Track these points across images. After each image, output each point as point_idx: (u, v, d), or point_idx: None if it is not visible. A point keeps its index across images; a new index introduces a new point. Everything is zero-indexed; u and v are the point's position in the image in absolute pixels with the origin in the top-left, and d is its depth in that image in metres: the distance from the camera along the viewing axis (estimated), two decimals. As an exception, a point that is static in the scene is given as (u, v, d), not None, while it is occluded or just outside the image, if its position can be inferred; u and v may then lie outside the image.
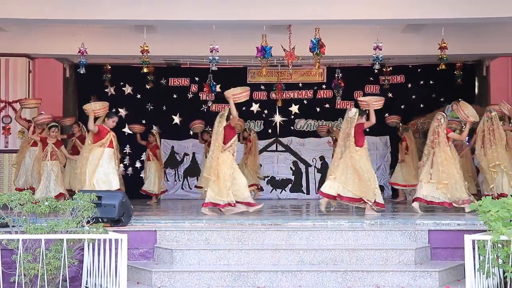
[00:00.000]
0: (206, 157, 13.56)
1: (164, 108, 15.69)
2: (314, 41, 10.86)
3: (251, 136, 14.32)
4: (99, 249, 6.73)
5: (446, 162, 9.95)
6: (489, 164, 10.73)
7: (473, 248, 6.67)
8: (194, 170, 15.53)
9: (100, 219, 7.65)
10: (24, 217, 7.06)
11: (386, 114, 15.64)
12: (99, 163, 9.49)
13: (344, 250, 7.52)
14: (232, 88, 10.22)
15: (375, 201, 9.75)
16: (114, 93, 15.61)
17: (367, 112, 10.08)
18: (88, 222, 7.11)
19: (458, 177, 10.02)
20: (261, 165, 15.19)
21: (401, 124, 14.11)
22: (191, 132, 15.52)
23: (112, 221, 7.98)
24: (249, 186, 12.78)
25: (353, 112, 10.07)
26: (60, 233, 6.75)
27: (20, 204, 7.00)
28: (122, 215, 8.11)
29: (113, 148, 9.74)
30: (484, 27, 11.87)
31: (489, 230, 6.71)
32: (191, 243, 7.80)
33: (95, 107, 10.02)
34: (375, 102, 10.14)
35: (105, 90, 15.49)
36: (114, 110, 15.27)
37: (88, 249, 6.79)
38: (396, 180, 13.96)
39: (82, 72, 11.74)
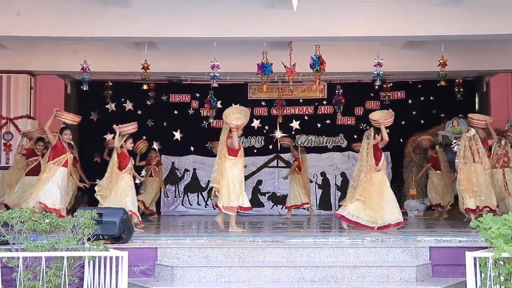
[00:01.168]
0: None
1: (165, 124, 15.73)
2: (315, 58, 10.91)
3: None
4: (99, 267, 6.71)
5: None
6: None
7: (475, 265, 6.64)
8: (194, 186, 15.53)
9: (100, 236, 7.61)
10: (24, 234, 7.03)
11: (387, 131, 15.69)
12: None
13: (345, 267, 7.48)
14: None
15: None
16: (114, 109, 15.66)
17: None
18: (88, 239, 7.09)
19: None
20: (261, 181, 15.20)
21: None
22: (192, 148, 15.55)
23: (113, 238, 7.95)
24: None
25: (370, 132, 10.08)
26: (60, 251, 6.72)
27: (21, 222, 6.98)
28: (123, 232, 8.09)
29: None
30: (484, 44, 11.92)
31: (491, 247, 6.69)
32: (191, 260, 7.77)
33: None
34: (384, 120, 10.11)
35: (106, 106, 15.54)
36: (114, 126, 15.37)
37: (89, 266, 6.76)
38: None
39: (85, 89, 11.79)
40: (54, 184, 9.65)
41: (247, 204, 9.77)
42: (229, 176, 9.58)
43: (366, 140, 10.06)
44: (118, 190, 9.68)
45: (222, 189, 9.55)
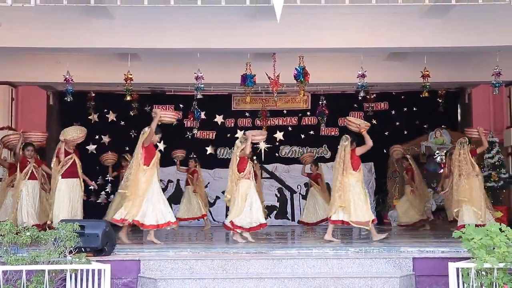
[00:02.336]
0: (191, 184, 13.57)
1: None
2: (299, 69, 10.96)
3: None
4: (81, 280, 6.66)
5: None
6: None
7: (458, 276, 6.67)
8: (178, 198, 15.44)
9: (83, 248, 7.55)
10: (5, 248, 6.97)
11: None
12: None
13: (329, 278, 7.48)
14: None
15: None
16: (97, 120, 15.58)
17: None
18: (70, 252, 7.03)
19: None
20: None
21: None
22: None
23: (95, 250, 7.87)
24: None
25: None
26: (41, 264, 6.67)
27: (1, 235, 6.92)
28: (106, 245, 8.02)
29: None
30: (466, 56, 12.02)
31: (473, 258, 6.73)
32: (175, 272, 7.73)
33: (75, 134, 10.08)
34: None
35: (89, 117, 15.46)
36: (97, 137, 15.33)
37: (71, 279, 6.70)
38: None
39: (69, 100, 11.73)
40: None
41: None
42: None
43: (343, 143, 9.98)
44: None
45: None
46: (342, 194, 9.69)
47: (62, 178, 9.77)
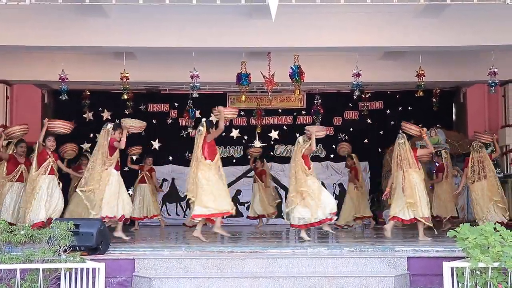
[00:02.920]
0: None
1: (143, 133, 15.61)
2: (294, 68, 10.96)
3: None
4: (76, 279, 6.64)
5: None
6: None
7: (452, 275, 6.68)
8: (173, 196, 15.46)
9: (77, 247, 7.53)
10: (-1, 246, 6.95)
11: (366, 141, 15.81)
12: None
13: (324, 277, 7.47)
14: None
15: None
16: (92, 118, 15.57)
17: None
18: (65, 250, 7.01)
19: None
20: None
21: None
22: (171, 158, 15.50)
23: (90, 249, 7.86)
24: None
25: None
26: (36, 263, 6.64)
27: (-5, 233, 6.90)
28: (100, 243, 8.01)
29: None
30: (461, 55, 12.04)
31: (467, 257, 6.74)
32: (170, 272, 7.72)
33: (133, 123, 10.02)
34: (317, 132, 10.26)
35: (84, 115, 15.45)
36: (92, 135, 15.30)
37: (65, 278, 6.68)
38: None
39: (64, 99, 11.70)
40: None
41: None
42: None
43: (399, 142, 10.18)
44: None
45: None
46: (410, 191, 9.85)
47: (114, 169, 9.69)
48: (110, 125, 9.79)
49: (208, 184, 9.24)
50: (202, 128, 9.46)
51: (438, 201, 12.53)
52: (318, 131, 10.38)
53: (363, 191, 13.60)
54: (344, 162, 13.99)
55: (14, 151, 10.54)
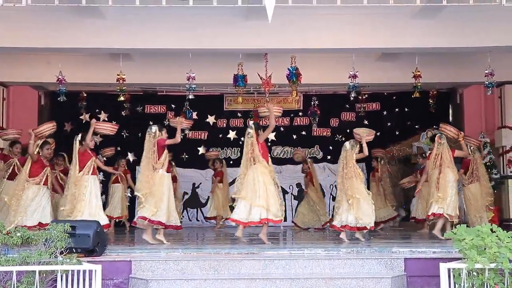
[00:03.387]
0: None
1: (140, 135, 15.62)
2: (291, 69, 10.95)
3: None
4: (72, 281, 6.63)
5: None
6: None
7: (449, 276, 6.69)
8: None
9: (74, 249, 7.53)
10: (-5, 248, 6.94)
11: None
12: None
13: (321, 279, 7.47)
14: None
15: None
16: (89, 120, 15.49)
17: (360, 144, 10.20)
18: (61, 252, 7.00)
19: None
20: None
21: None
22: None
23: (87, 251, 7.85)
24: None
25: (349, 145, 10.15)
26: (32, 265, 6.63)
27: (-9, 236, 6.88)
28: (97, 245, 8.00)
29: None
30: (457, 56, 12.05)
31: (464, 258, 6.74)
32: (166, 273, 7.71)
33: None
34: (367, 136, 10.37)
35: (80, 117, 15.43)
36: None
37: (62, 280, 6.68)
38: None
39: (62, 100, 11.69)
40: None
41: None
42: None
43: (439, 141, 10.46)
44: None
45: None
46: (444, 187, 10.25)
47: None
48: (155, 128, 9.77)
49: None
50: (252, 131, 9.54)
51: (422, 202, 12.52)
52: (368, 134, 10.47)
53: (320, 195, 13.85)
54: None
55: (39, 153, 10.29)
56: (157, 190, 9.44)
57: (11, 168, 10.92)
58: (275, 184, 9.50)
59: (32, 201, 9.93)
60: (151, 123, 15.33)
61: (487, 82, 10.95)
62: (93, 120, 10.15)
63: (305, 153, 14.88)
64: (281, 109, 10.41)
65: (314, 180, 13.78)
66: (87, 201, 9.48)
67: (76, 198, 9.46)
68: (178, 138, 9.85)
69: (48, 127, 10.49)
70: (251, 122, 9.80)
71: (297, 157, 14.18)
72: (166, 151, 9.74)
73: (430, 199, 10.47)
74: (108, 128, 10.30)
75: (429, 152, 11.33)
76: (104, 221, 9.36)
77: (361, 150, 10.13)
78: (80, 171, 9.58)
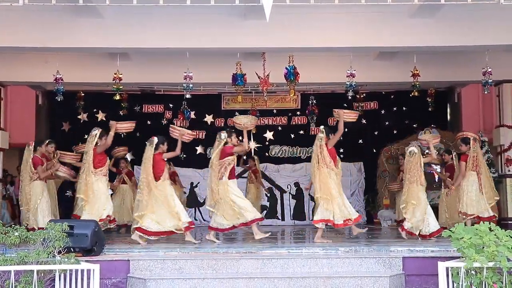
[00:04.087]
0: None
1: (138, 134, 15.60)
2: (289, 68, 10.94)
3: None
4: (70, 280, 6.63)
5: None
6: None
7: (447, 275, 6.69)
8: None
9: (72, 248, 7.52)
10: (-7, 248, 6.93)
11: (360, 141, 15.81)
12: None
13: (319, 278, 7.48)
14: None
15: None
16: (86, 119, 15.53)
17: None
18: (59, 252, 6.99)
19: None
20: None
21: None
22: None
23: (85, 250, 7.85)
24: None
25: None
26: (30, 264, 6.62)
27: (-11, 236, 6.88)
28: (95, 245, 7.99)
29: None
30: (455, 55, 12.05)
31: (462, 257, 6.74)
32: (164, 272, 7.71)
33: (249, 121, 10.17)
34: (433, 140, 10.56)
35: (78, 117, 15.41)
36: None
37: (60, 280, 6.67)
38: None
39: (59, 100, 11.67)
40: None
41: None
42: None
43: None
44: None
45: None
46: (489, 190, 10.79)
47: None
48: (224, 134, 9.79)
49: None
50: (322, 135, 9.61)
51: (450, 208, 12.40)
52: (434, 138, 10.73)
53: (259, 192, 13.96)
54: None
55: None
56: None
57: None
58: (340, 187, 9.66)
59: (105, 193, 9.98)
60: (148, 122, 15.53)
61: (484, 81, 10.94)
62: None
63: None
64: (356, 114, 10.44)
65: (258, 176, 13.85)
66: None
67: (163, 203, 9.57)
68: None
69: (130, 125, 10.64)
70: (321, 126, 9.91)
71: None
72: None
73: (479, 203, 10.68)
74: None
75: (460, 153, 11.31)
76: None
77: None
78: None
